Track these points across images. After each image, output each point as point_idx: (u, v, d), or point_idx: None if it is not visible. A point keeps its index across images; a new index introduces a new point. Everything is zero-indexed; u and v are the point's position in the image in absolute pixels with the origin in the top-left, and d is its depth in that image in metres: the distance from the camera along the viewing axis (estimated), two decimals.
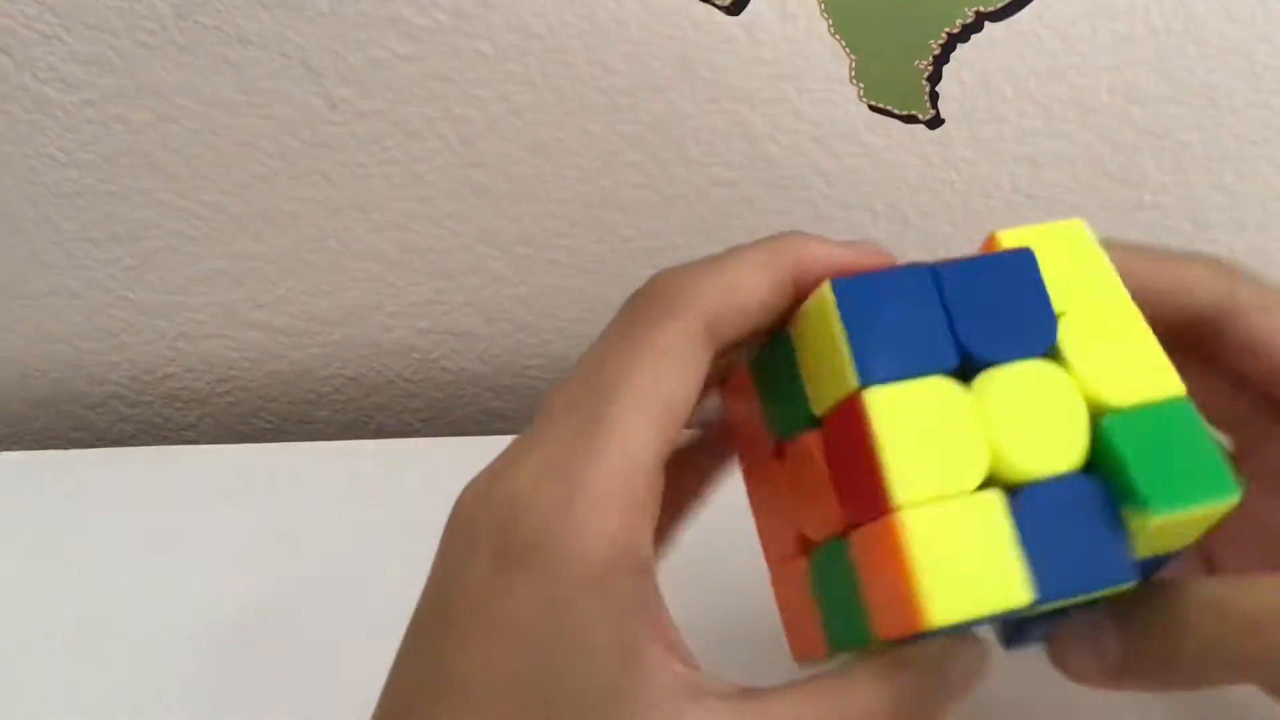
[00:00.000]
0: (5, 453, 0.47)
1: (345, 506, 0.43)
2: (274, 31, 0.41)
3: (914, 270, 0.22)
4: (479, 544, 0.21)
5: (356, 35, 0.41)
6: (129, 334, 0.50)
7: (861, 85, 0.42)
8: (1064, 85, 0.42)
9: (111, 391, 0.52)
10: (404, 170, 0.45)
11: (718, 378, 0.26)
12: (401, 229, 0.47)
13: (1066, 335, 0.23)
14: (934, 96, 0.42)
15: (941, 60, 0.42)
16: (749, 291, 0.23)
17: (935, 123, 0.43)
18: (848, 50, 0.41)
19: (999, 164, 0.44)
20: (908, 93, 0.42)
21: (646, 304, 0.23)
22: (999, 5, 0.40)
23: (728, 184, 0.45)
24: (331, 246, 0.47)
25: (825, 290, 0.22)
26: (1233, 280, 0.25)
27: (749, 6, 0.40)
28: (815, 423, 0.23)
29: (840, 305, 0.22)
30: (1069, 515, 0.21)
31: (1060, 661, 0.25)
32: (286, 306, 0.49)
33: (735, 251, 0.23)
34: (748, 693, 0.21)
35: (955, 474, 0.21)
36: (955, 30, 0.41)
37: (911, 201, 0.45)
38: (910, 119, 0.43)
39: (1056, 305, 0.23)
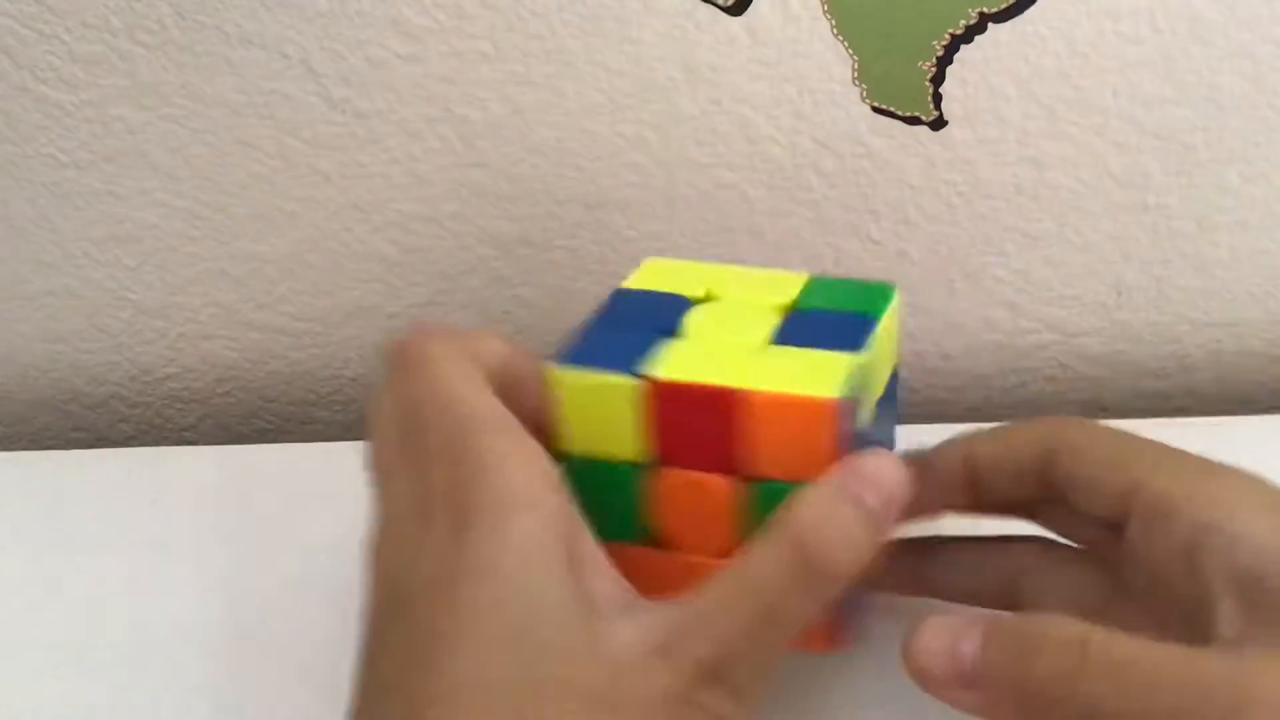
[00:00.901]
0: (4, 453, 0.47)
1: (345, 507, 0.43)
2: (274, 31, 0.41)
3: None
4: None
5: (357, 35, 0.41)
6: (129, 334, 0.50)
7: (864, 86, 0.42)
8: (1068, 86, 0.42)
9: (111, 392, 0.52)
10: (404, 170, 0.45)
11: None
12: (402, 229, 0.47)
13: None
14: (937, 98, 0.42)
15: (945, 61, 0.41)
16: (485, 344, 0.30)
17: (938, 124, 0.43)
18: (850, 51, 0.41)
19: (1002, 165, 0.44)
20: (911, 94, 0.42)
21: (408, 351, 0.29)
22: (1002, 6, 0.40)
23: (729, 185, 0.45)
24: (332, 247, 0.47)
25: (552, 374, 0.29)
26: (1058, 432, 0.29)
27: (751, 7, 0.40)
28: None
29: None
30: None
31: (914, 652, 0.26)
32: (287, 307, 0.49)
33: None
34: (669, 600, 0.25)
35: None
36: (959, 31, 0.41)
37: (914, 203, 0.45)
38: (913, 120, 0.43)
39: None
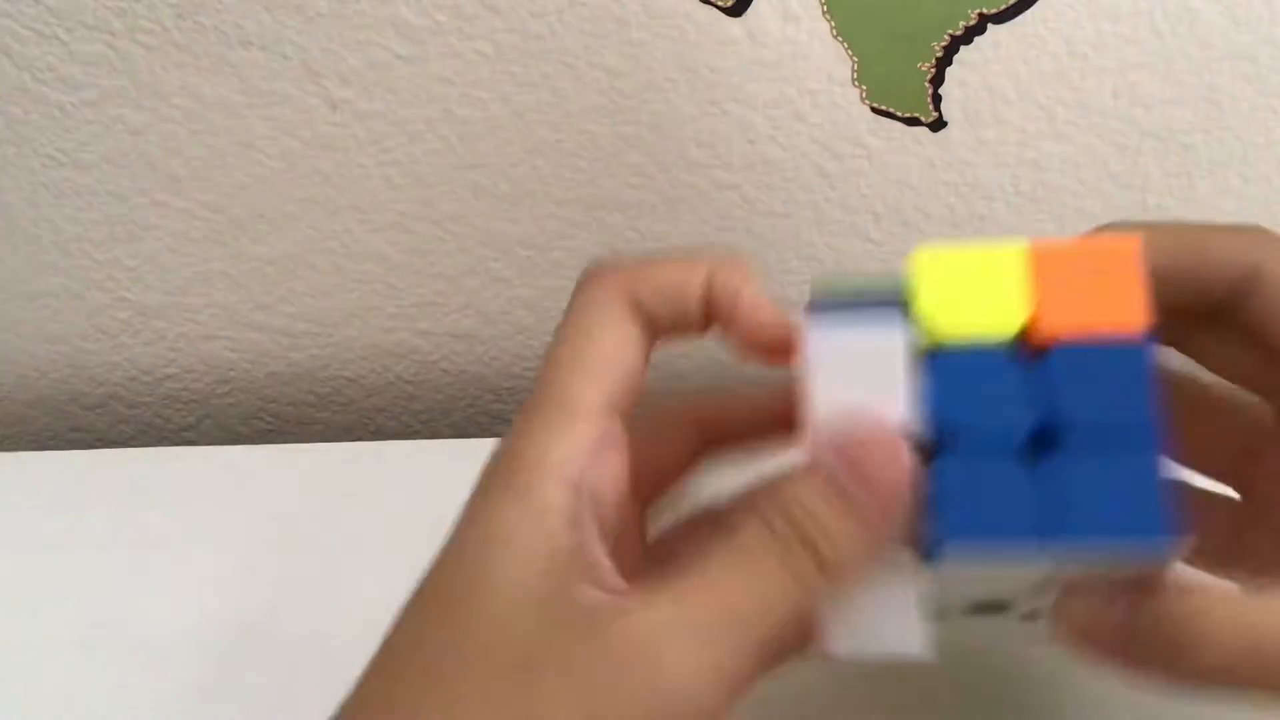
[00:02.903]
0: (4, 453, 0.47)
1: (345, 508, 0.43)
2: (274, 32, 0.41)
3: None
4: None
5: (357, 36, 0.41)
6: (128, 335, 0.50)
7: (864, 87, 0.42)
8: (1067, 88, 0.42)
9: (111, 392, 0.52)
10: (404, 171, 0.45)
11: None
12: (402, 230, 0.47)
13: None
14: (936, 99, 0.42)
15: (944, 62, 0.41)
16: (661, 269, 0.26)
17: (938, 125, 0.43)
18: (850, 52, 0.41)
19: (1002, 166, 0.44)
20: (910, 95, 0.42)
21: (581, 282, 0.27)
22: (1002, 7, 0.40)
23: (729, 186, 0.45)
24: (332, 248, 0.47)
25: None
26: (1262, 248, 0.25)
27: (751, 8, 0.40)
28: None
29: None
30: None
31: (1064, 614, 0.25)
32: (286, 308, 0.49)
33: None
34: (662, 586, 0.23)
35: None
36: (958, 32, 0.41)
37: (914, 204, 0.45)
38: (913, 121, 0.43)
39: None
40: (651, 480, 0.28)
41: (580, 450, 0.25)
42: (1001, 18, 0.40)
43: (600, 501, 0.25)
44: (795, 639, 0.25)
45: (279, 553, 0.41)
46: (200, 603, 0.39)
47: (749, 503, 0.25)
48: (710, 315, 0.26)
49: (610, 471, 0.26)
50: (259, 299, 0.49)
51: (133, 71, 0.42)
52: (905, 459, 0.23)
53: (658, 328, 0.26)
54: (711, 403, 0.29)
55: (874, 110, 0.43)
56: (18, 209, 0.46)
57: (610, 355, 0.26)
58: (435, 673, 0.23)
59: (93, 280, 0.48)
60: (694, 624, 0.23)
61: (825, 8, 0.40)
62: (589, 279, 0.26)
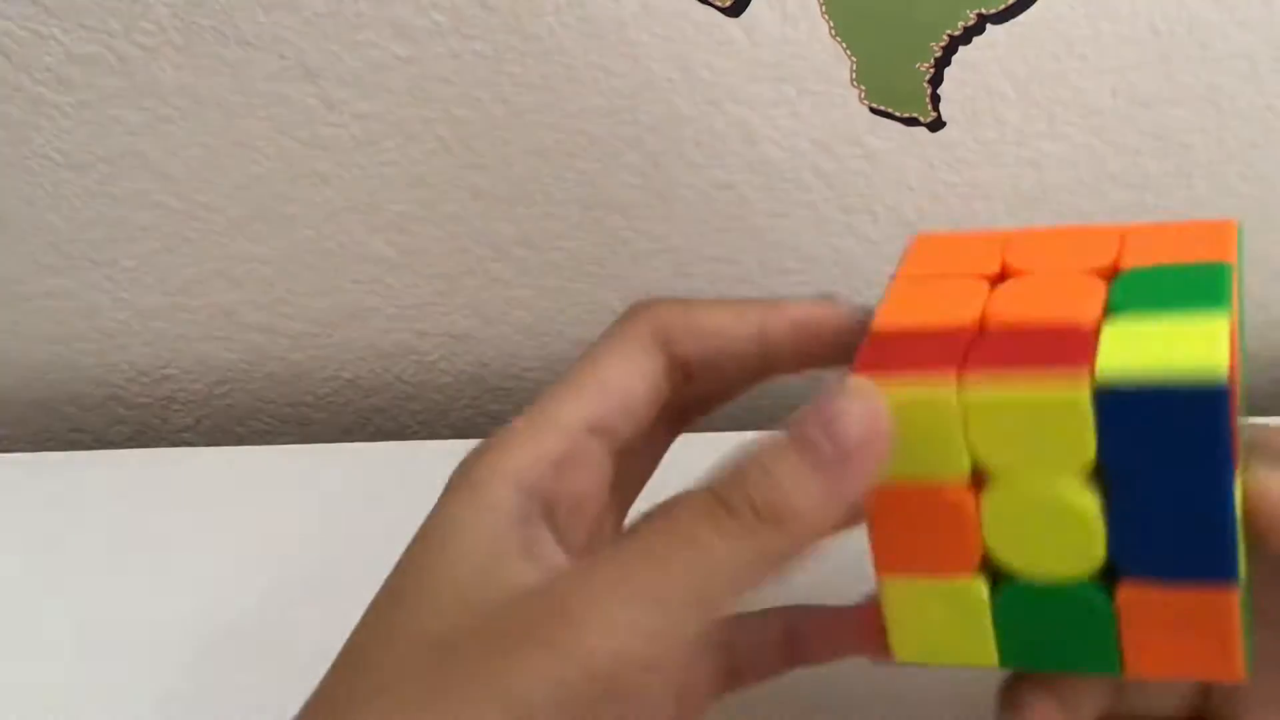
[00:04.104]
0: (3, 454, 0.47)
1: (343, 508, 0.43)
2: (272, 33, 0.41)
3: None
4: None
5: (355, 37, 0.41)
6: (126, 336, 0.50)
7: (863, 88, 0.42)
8: (1066, 88, 0.42)
9: (109, 393, 0.52)
10: (402, 172, 0.45)
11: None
12: (400, 231, 0.46)
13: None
14: (935, 99, 0.42)
15: (943, 62, 0.41)
16: (705, 313, 0.27)
17: (937, 125, 0.43)
18: (849, 52, 0.41)
19: (1001, 166, 0.44)
20: (909, 95, 0.42)
21: (621, 313, 0.28)
22: (1001, 7, 0.40)
23: (728, 186, 0.45)
24: (330, 248, 0.47)
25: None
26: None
27: (749, 8, 0.40)
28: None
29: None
30: None
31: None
32: (284, 308, 0.49)
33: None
34: (596, 558, 0.23)
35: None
36: (957, 32, 0.41)
37: (913, 204, 0.45)
38: (911, 121, 0.43)
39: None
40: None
41: (540, 460, 0.25)
42: (1000, 18, 0.40)
43: (558, 508, 0.26)
44: (747, 585, 0.23)
45: (277, 553, 0.41)
46: (199, 603, 0.39)
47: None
48: (767, 361, 0.27)
49: (578, 486, 0.26)
50: (257, 300, 0.49)
51: (130, 72, 0.42)
52: (884, 421, 0.22)
53: (689, 367, 0.27)
54: (801, 614, 0.29)
55: (873, 110, 0.43)
56: (15, 210, 0.46)
57: (610, 381, 0.26)
58: (366, 664, 0.24)
59: (91, 281, 0.48)
60: (612, 584, 0.22)
61: (824, 8, 0.40)
62: (627, 311, 0.27)
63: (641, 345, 0.27)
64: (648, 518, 0.26)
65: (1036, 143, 0.43)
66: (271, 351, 0.50)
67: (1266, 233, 0.46)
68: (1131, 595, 0.23)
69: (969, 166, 0.44)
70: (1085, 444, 0.22)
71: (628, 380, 0.26)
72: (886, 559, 0.25)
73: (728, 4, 0.40)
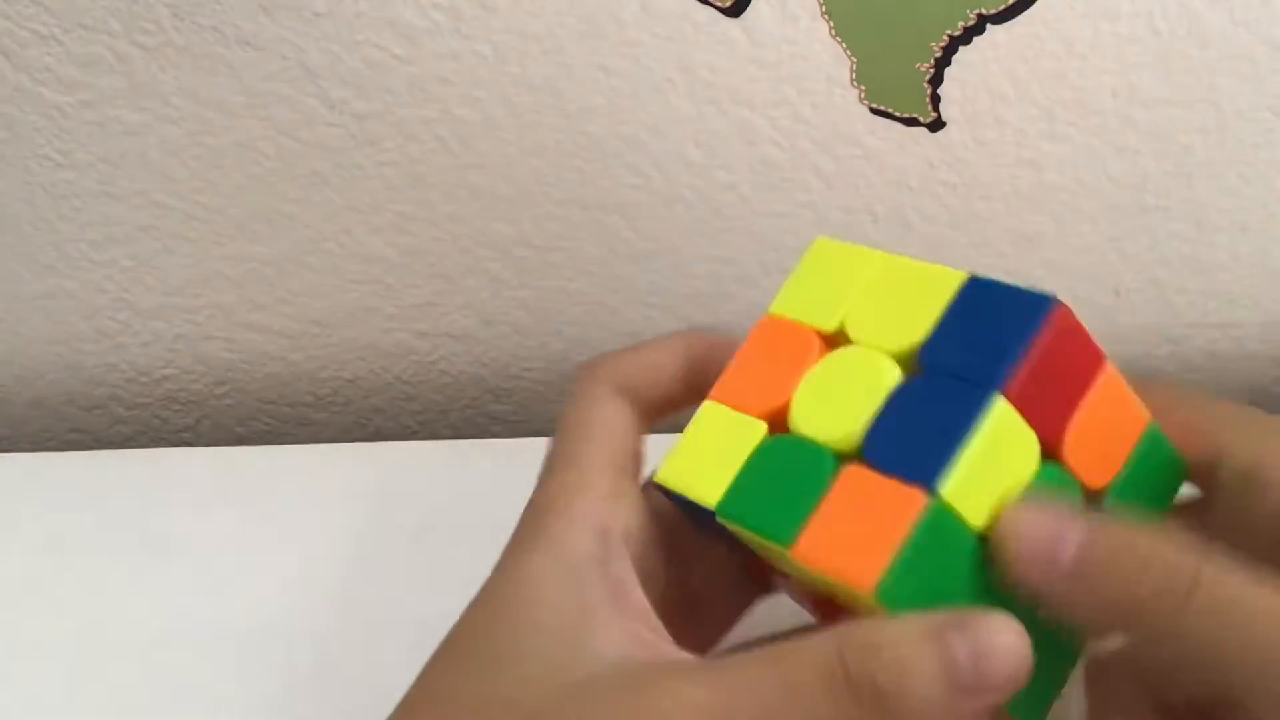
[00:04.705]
0: (2, 454, 0.47)
1: (343, 509, 0.43)
2: (272, 33, 0.41)
3: None
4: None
5: (354, 37, 0.41)
6: (126, 336, 0.50)
7: (862, 88, 0.42)
8: (1066, 88, 0.42)
9: (109, 393, 0.52)
10: (402, 172, 0.45)
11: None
12: (400, 231, 0.46)
13: None
14: (935, 99, 0.42)
15: (943, 63, 0.41)
16: (641, 353, 0.29)
17: (936, 125, 0.43)
18: (849, 52, 0.41)
19: (1000, 167, 0.44)
20: (909, 95, 0.42)
21: (575, 377, 0.30)
22: (1001, 7, 0.40)
23: (727, 186, 0.45)
24: (330, 248, 0.47)
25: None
26: (1261, 441, 0.26)
27: (749, 8, 0.40)
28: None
29: None
30: None
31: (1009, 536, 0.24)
32: (284, 309, 0.49)
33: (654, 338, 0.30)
34: (702, 663, 0.24)
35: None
36: (957, 32, 0.41)
37: (913, 205, 0.45)
38: (911, 121, 0.43)
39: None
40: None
41: (598, 498, 0.27)
42: (1000, 18, 0.40)
43: (629, 540, 0.27)
44: None
45: (277, 553, 0.41)
46: (199, 603, 0.39)
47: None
48: (691, 388, 0.29)
49: (630, 517, 0.27)
50: (257, 300, 0.49)
51: (130, 72, 0.42)
52: (1026, 668, 0.22)
53: (649, 406, 0.29)
54: None
55: (872, 110, 0.43)
56: (15, 210, 0.46)
57: (610, 423, 0.28)
58: None
59: (90, 281, 0.48)
60: (710, 710, 0.22)
61: (824, 8, 0.40)
62: (580, 372, 0.29)
63: (613, 392, 0.29)
64: (761, 644, 0.24)
65: (1036, 143, 0.43)
66: (271, 352, 0.50)
67: (1266, 233, 0.46)
68: (850, 475, 0.24)
69: (969, 166, 0.44)
70: (925, 322, 0.25)
71: (620, 421, 0.29)
72: (723, 387, 0.28)
73: (728, 4, 0.40)
